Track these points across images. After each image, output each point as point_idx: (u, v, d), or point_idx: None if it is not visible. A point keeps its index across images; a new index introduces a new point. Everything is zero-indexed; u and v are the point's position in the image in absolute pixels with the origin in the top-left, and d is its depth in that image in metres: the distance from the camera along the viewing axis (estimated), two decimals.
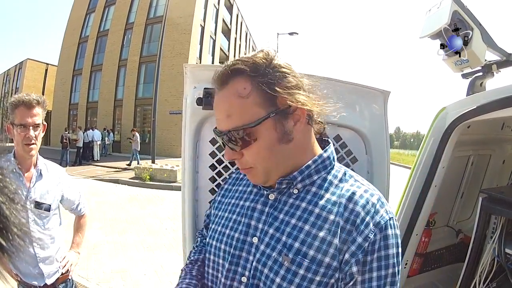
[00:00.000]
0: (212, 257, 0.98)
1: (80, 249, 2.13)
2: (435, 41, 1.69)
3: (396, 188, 1.85)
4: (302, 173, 0.86)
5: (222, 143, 0.87)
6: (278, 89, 0.79)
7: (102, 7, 26.27)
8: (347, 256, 0.79)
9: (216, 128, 0.86)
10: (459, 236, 2.36)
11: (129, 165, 15.50)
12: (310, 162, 0.87)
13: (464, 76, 1.81)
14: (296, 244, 0.82)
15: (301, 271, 0.80)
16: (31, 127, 1.71)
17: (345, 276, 0.80)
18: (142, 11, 24.16)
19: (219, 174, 1.48)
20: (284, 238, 0.84)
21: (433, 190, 1.80)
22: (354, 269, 0.78)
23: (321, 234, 0.81)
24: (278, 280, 0.82)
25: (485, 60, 1.67)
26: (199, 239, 1.19)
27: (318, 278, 0.79)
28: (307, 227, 0.82)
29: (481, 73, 1.76)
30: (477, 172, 2.30)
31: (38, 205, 1.78)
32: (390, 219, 0.82)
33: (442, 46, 1.65)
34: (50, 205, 1.82)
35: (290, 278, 0.81)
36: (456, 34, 1.57)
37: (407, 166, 20.06)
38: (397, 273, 0.80)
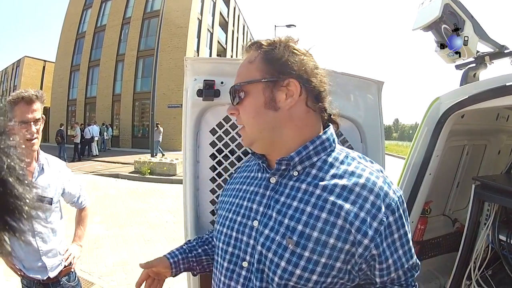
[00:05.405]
0: (215, 241, 1.01)
1: (82, 242, 2.14)
2: (431, 34, 1.72)
3: (394, 179, 1.88)
4: (299, 154, 0.87)
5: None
6: (276, 63, 0.88)
7: (99, 2, 25.95)
8: (366, 241, 0.80)
9: None
10: (455, 225, 2.38)
11: (156, 155, 15.03)
12: (308, 143, 0.88)
13: (458, 67, 1.84)
14: (299, 227, 0.82)
15: (306, 254, 0.81)
16: (32, 123, 1.70)
17: (365, 260, 0.83)
18: (139, 5, 23.92)
19: (219, 163, 1.52)
20: (286, 221, 0.84)
21: (427, 178, 1.83)
22: (374, 251, 0.82)
23: (324, 215, 0.81)
24: (283, 264, 0.82)
25: (478, 51, 1.71)
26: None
27: (323, 260, 0.80)
28: (308, 209, 0.83)
29: (474, 64, 1.79)
30: (472, 162, 2.32)
31: (40, 198, 1.79)
32: (398, 198, 0.85)
33: (442, 46, 1.68)
34: (52, 199, 1.83)
35: (295, 261, 0.81)
36: (457, 34, 1.60)
37: (405, 157, 20.06)
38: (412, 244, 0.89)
